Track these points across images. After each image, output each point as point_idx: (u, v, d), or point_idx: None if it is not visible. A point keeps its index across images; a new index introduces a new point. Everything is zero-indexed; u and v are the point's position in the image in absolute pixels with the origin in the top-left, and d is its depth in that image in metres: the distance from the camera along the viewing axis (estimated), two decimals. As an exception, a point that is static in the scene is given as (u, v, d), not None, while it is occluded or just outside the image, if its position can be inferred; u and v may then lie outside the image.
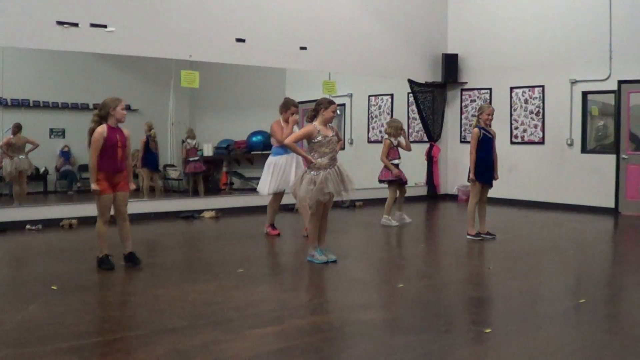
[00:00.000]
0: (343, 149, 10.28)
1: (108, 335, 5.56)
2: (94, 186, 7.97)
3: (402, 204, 12.52)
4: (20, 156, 13.67)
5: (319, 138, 8.43)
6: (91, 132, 8.04)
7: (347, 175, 8.59)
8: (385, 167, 12.25)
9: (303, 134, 8.60)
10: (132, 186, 8.50)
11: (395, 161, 12.29)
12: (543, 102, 15.45)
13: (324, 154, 8.45)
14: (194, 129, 17.13)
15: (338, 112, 9.05)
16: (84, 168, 16.51)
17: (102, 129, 7.95)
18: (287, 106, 10.51)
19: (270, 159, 10.76)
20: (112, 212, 8.23)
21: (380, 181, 12.48)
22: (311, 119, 8.68)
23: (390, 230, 11.98)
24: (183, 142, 16.57)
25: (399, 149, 12.36)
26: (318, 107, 8.60)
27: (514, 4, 16.01)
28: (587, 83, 14.62)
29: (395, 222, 12.22)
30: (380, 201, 15.73)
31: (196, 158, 16.41)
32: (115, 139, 7.98)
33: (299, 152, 8.66)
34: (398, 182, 12.30)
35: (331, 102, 8.66)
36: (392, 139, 12.25)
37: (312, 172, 8.43)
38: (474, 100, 16.81)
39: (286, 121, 10.44)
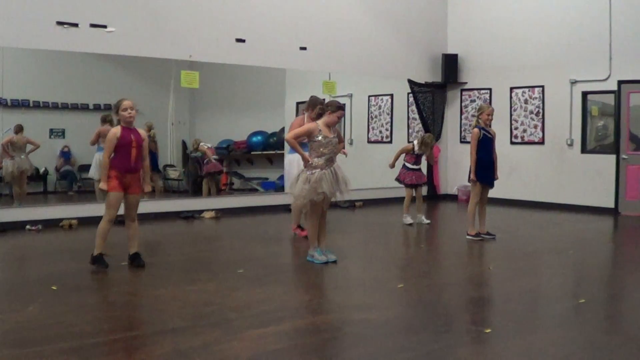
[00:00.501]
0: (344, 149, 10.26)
1: (108, 335, 5.56)
2: (101, 185, 8.08)
3: (419, 205, 12.55)
4: (21, 156, 13.67)
5: (319, 138, 8.43)
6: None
7: (342, 176, 8.57)
8: (403, 167, 12.49)
9: (304, 131, 8.57)
10: (148, 188, 8.53)
11: (409, 165, 12.44)
12: (543, 103, 15.45)
13: (322, 155, 8.45)
14: (194, 131, 17.15)
15: None
16: (83, 168, 16.52)
17: (116, 129, 8.05)
18: (314, 105, 10.38)
19: (287, 157, 10.73)
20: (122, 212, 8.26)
21: (397, 179, 12.72)
22: (317, 117, 8.70)
23: (390, 230, 11.99)
24: (199, 145, 16.48)
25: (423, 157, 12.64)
26: (325, 108, 8.62)
27: (513, 4, 16.01)
28: (587, 83, 14.62)
29: (409, 220, 12.30)
30: (380, 201, 15.80)
31: (215, 157, 16.40)
32: (129, 139, 8.01)
33: (298, 150, 8.61)
34: (410, 184, 12.38)
35: (339, 108, 8.65)
36: (416, 147, 12.33)
37: (308, 172, 8.44)
38: (474, 101, 16.82)
39: (312, 119, 10.27)
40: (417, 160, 12.48)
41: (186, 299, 6.77)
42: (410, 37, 16.64)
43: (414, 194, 12.50)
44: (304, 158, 8.51)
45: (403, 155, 12.56)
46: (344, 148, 9.42)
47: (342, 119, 9.50)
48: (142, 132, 8.27)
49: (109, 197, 8.03)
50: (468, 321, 6.23)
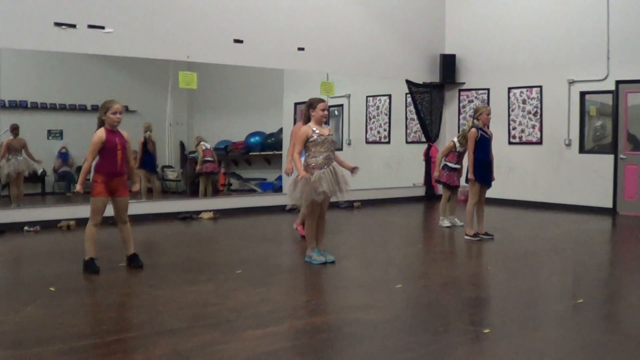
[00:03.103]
0: (340, 149, 10.13)
1: (106, 336, 5.56)
2: (77, 187, 8.06)
3: (454, 208, 12.28)
4: (18, 157, 13.66)
5: (314, 137, 8.42)
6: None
7: (342, 175, 8.55)
8: (444, 168, 12.14)
9: (301, 140, 8.53)
10: (136, 187, 8.51)
11: (451, 164, 12.06)
12: (541, 102, 15.46)
13: (319, 153, 8.43)
14: (192, 132, 17.16)
15: (336, 112, 9.02)
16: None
17: (101, 132, 7.95)
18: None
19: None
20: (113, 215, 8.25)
21: (437, 181, 12.49)
22: (307, 120, 8.68)
23: (389, 231, 11.98)
24: (199, 142, 16.44)
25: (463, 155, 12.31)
26: (308, 111, 8.63)
27: (511, 4, 16.01)
28: (584, 83, 14.62)
29: (448, 223, 12.09)
30: (378, 202, 15.80)
31: (211, 158, 16.38)
32: (114, 142, 7.95)
33: (298, 167, 8.55)
34: (449, 185, 12.20)
35: (320, 100, 8.64)
36: (457, 144, 12.04)
37: (310, 172, 8.42)
38: (472, 101, 16.82)
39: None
40: (459, 159, 12.13)
41: (184, 300, 6.76)
42: (408, 37, 16.64)
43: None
44: (300, 173, 8.47)
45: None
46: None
47: (340, 118, 9.39)
48: (125, 133, 8.17)
49: (96, 202, 7.95)
50: (466, 321, 6.22)
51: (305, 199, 8.40)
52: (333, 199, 8.73)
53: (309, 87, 14.75)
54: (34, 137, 15.62)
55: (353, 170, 8.87)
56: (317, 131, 8.46)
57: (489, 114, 10.56)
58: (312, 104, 8.60)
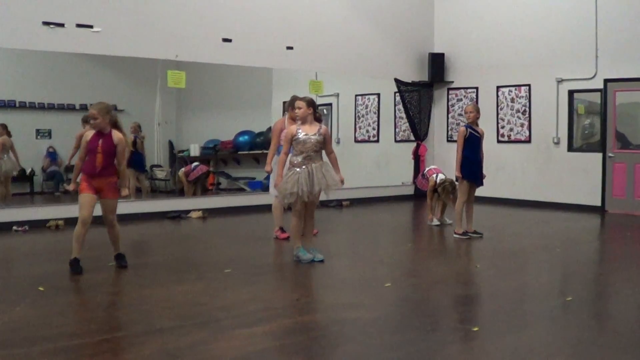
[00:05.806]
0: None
1: (95, 336, 5.54)
2: (70, 186, 8.27)
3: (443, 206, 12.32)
4: (4, 157, 13.59)
5: (298, 136, 8.48)
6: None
7: (322, 177, 8.44)
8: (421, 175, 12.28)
9: (287, 139, 8.63)
10: (124, 192, 8.42)
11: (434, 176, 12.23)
12: (529, 101, 15.49)
13: (299, 152, 8.47)
14: (180, 131, 17.12)
15: (325, 111, 9.06)
16: (70, 169, 16.45)
17: (88, 133, 8.03)
18: (292, 103, 10.19)
19: (275, 158, 10.36)
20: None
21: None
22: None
23: (378, 229, 11.98)
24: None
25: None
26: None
27: (500, 3, 16.03)
28: (573, 82, 14.65)
29: (437, 221, 12.08)
30: (367, 200, 15.78)
31: (198, 163, 16.34)
32: (95, 144, 7.92)
33: (278, 172, 8.66)
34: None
35: (292, 102, 8.98)
36: (437, 185, 11.94)
37: (290, 171, 8.47)
38: (461, 100, 16.84)
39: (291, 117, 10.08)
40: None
41: (173, 299, 6.75)
42: (397, 36, 16.64)
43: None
44: (276, 181, 8.68)
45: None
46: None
47: (329, 116, 9.44)
48: (117, 137, 8.00)
49: (80, 199, 7.98)
50: (456, 320, 6.24)
51: (278, 196, 8.61)
52: (322, 198, 8.72)
53: (298, 86, 14.70)
54: (23, 136, 15.56)
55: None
56: (301, 130, 8.48)
57: (471, 112, 10.57)
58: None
